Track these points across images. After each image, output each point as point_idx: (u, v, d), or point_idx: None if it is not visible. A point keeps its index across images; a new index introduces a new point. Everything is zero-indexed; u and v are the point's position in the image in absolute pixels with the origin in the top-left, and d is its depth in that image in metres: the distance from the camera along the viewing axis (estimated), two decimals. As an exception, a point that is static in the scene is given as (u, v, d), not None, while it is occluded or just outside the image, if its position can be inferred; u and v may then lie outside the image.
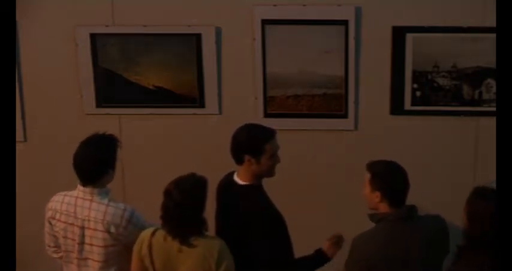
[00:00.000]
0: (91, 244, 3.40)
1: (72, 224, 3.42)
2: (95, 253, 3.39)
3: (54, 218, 3.48)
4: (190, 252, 3.11)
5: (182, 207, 3.08)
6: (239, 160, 3.38)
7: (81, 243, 3.42)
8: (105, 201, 3.38)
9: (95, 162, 3.37)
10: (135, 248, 3.23)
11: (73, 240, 3.44)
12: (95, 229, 3.37)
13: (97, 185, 3.39)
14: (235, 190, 3.44)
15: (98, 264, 3.41)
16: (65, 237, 3.46)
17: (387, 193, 3.25)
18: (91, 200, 3.39)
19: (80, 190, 3.42)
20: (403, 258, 3.21)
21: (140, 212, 3.44)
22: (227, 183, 3.51)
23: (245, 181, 3.42)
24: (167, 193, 3.14)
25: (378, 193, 3.26)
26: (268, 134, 3.38)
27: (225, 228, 3.46)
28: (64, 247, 3.49)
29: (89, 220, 3.37)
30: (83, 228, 3.39)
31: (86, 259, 3.44)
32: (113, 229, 3.34)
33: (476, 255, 2.99)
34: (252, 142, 3.34)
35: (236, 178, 3.46)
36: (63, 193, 3.50)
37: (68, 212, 3.43)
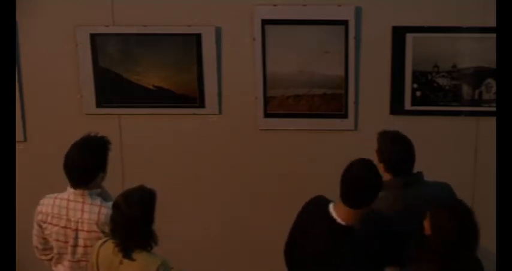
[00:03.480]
0: (85, 246, 3.39)
1: (64, 227, 3.40)
2: (90, 254, 3.39)
3: (45, 222, 3.44)
4: (129, 266, 3.10)
5: (129, 220, 3.07)
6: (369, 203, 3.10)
7: (75, 245, 3.41)
8: (98, 202, 3.37)
9: (86, 166, 3.34)
10: (90, 256, 3.26)
11: (65, 242, 3.42)
12: (89, 231, 3.37)
13: (88, 187, 3.38)
14: (331, 226, 3.16)
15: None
16: (57, 240, 3.45)
17: (387, 165, 3.35)
18: (83, 202, 3.38)
19: (71, 193, 3.40)
20: (407, 218, 3.26)
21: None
22: (320, 210, 3.23)
23: (345, 220, 3.13)
24: (115, 205, 3.13)
25: (381, 165, 3.34)
26: None
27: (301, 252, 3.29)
28: (56, 250, 3.48)
29: (82, 223, 3.37)
30: (76, 230, 3.39)
31: (79, 261, 3.44)
32: (106, 229, 3.33)
33: (426, 265, 3.00)
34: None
35: (333, 212, 3.16)
36: (53, 195, 3.46)
37: (60, 215, 3.41)
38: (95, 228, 3.35)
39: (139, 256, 3.10)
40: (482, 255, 4.12)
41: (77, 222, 3.38)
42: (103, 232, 3.34)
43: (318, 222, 3.21)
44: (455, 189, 3.56)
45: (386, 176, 3.36)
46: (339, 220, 3.13)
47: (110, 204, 3.32)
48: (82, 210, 3.37)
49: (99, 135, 3.45)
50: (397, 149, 3.37)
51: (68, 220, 3.39)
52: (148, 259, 3.11)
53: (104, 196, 3.49)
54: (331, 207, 3.19)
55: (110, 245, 3.15)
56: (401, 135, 3.42)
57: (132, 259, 3.09)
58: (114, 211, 3.13)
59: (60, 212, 3.41)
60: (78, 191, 3.38)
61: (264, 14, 4.28)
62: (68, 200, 3.40)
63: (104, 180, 3.47)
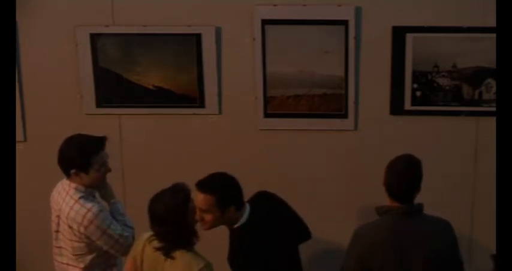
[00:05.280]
0: (63, 234, 3.48)
1: (54, 210, 3.53)
2: (66, 244, 3.47)
3: (51, 201, 3.59)
4: (173, 264, 3.13)
5: (164, 221, 3.09)
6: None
7: (57, 231, 3.51)
8: (76, 197, 3.42)
9: (60, 159, 3.44)
10: (133, 245, 3.29)
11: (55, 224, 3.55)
12: (63, 222, 3.44)
13: (74, 181, 3.44)
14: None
15: (70, 255, 3.48)
16: (52, 221, 3.56)
17: (389, 189, 3.31)
18: (67, 192, 3.45)
19: (65, 181, 3.51)
20: (403, 251, 3.23)
21: (134, 214, 3.50)
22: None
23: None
24: (149, 207, 3.15)
25: (384, 188, 3.33)
26: None
27: None
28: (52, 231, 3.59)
29: (61, 211, 3.45)
30: (58, 217, 3.48)
31: (60, 247, 3.53)
32: (74, 226, 3.39)
33: None
34: None
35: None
36: (63, 180, 3.58)
37: (53, 198, 3.54)
38: (65, 220, 3.42)
39: (183, 256, 3.11)
40: (482, 254, 4.12)
41: (59, 209, 3.46)
42: (70, 227, 3.39)
43: None
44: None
45: (389, 200, 3.34)
46: None
47: (88, 204, 3.38)
48: (63, 200, 3.45)
49: (97, 136, 3.48)
50: (402, 175, 3.30)
51: (56, 204, 3.49)
52: (191, 260, 3.12)
53: (104, 195, 3.54)
54: None
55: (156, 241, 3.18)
56: (412, 162, 3.36)
57: (175, 259, 3.11)
58: (149, 213, 3.16)
59: (54, 195, 3.54)
60: (67, 181, 3.47)
61: (264, 14, 4.28)
62: (63, 186, 3.50)
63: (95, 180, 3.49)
